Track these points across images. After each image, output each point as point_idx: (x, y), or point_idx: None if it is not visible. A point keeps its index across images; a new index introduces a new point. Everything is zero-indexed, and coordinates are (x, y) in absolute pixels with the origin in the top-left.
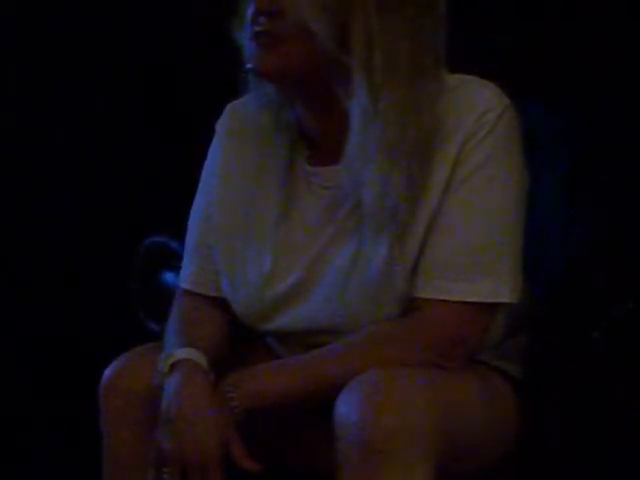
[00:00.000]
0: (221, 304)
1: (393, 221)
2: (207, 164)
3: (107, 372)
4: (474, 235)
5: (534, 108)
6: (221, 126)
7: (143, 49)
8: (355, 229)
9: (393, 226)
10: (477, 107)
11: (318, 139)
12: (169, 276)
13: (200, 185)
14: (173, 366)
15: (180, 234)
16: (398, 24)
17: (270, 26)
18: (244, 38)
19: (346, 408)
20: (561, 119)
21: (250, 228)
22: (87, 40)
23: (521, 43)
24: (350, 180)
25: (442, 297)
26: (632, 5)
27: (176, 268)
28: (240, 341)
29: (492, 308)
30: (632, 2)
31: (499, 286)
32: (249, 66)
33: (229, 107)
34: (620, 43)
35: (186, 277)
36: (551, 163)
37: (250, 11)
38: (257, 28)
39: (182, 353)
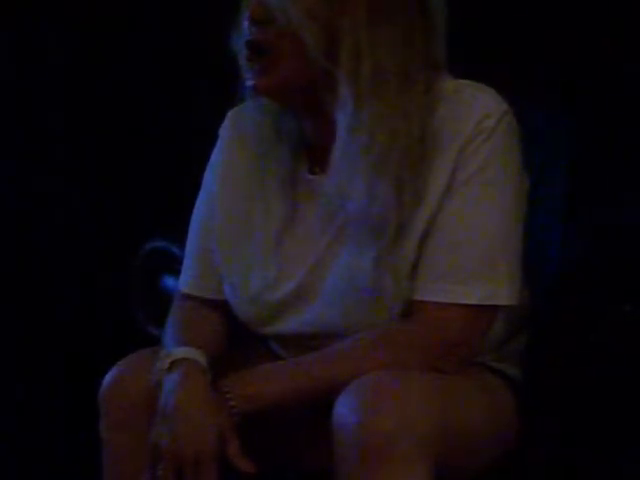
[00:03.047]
0: (220, 306)
1: (381, 231)
2: (209, 168)
3: (107, 377)
4: (472, 238)
5: (534, 110)
6: (223, 131)
7: (145, 49)
8: (352, 237)
9: (382, 236)
10: (475, 113)
11: (317, 147)
12: (169, 280)
13: (202, 189)
14: (172, 364)
15: (181, 239)
16: (387, 35)
17: (261, 35)
18: (239, 50)
19: (345, 411)
20: (561, 120)
21: (253, 235)
22: (90, 41)
23: (521, 43)
24: (336, 190)
25: (440, 300)
26: (632, 4)
27: (176, 272)
28: (240, 343)
29: (491, 310)
30: (632, 2)
31: (497, 288)
32: (248, 84)
33: (232, 113)
34: (621, 43)
35: (186, 280)
36: (551, 165)
37: (245, 22)
38: (249, 37)
39: (181, 352)
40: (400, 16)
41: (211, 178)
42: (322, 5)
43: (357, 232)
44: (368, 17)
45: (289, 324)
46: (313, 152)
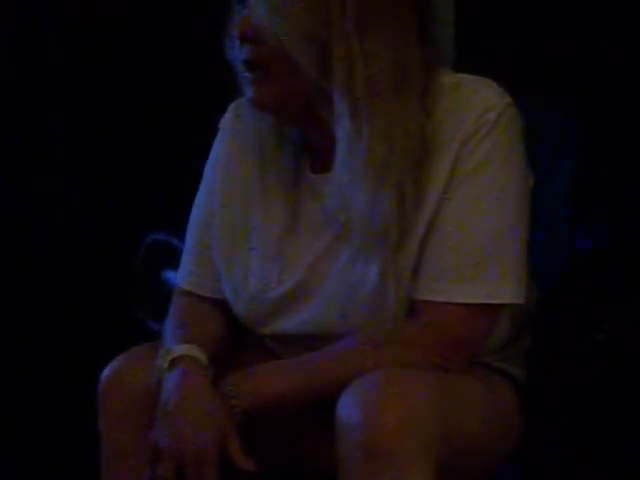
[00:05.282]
0: (219, 304)
1: (384, 238)
2: (209, 162)
3: (106, 372)
4: (475, 236)
5: (537, 106)
6: (224, 124)
7: (145, 49)
8: (354, 241)
9: (385, 242)
10: (477, 106)
11: (318, 146)
12: (170, 274)
13: (202, 183)
14: (172, 362)
15: (181, 232)
16: (380, 44)
17: (253, 53)
18: (235, 61)
19: (348, 410)
20: (565, 117)
21: (253, 232)
22: (90, 41)
23: (522, 41)
24: (339, 199)
25: (444, 299)
26: (633, 6)
27: (177, 266)
28: (240, 342)
29: (495, 309)
30: (633, 3)
31: (501, 287)
32: (247, 98)
33: (233, 105)
34: (622, 44)
35: (184, 277)
36: (555, 162)
37: (236, 40)
38: (242, 56)
39: (181, 349)
40: (392, 20)
41: (211, 173)
42: (310, 21)
43: (360, 238)
44: (358, 28)
45: (288, 323)
46: (315, 150)
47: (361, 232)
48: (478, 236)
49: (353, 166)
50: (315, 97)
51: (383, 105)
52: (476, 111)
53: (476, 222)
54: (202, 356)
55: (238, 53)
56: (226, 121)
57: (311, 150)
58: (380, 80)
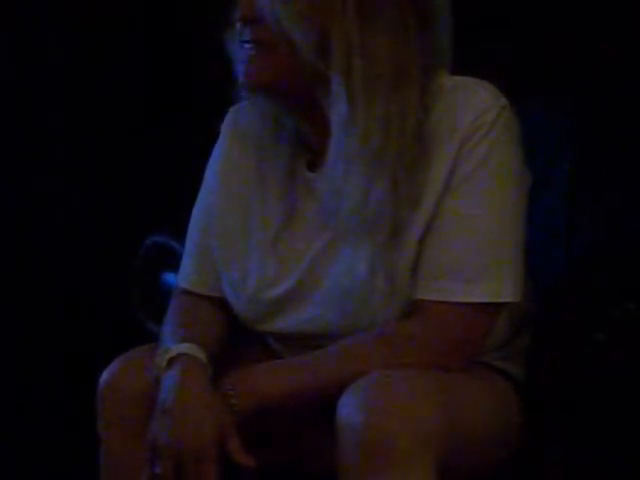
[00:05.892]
0: (219, 304)
1: (377, 230)
2: (210, 165)
3: (104, 375)
4: (473, 235)
5: (535, 107)
6: (224, 129)
7: (145, 49)
8: (348, 235)
9: (377, 235)
10: (474, 108)
11: (315, 144)
12: (170, 276)
13: (203, 185)
14: (171, 360)
15: (181, 234)
16: (379, 36)
17: (254, 34)
18: (234, 51)
19: (349, 410)
20: (562, 118)
21: (251, 232)
22: (90, 41)
23: (520, 41)
24: (332, 189)
25: (443, 298)
26: (631, 6)
27: (177, 268)
28: (240, 341)
29: (494, 308)
30: (631, 3)
31: (501, 286)
32: (240, 81)
33: (233, 110)
34: (620, 44)
35: (185, 276)
36: (553, 162)
37: (237, 23)
38: (243, 37)
39: (181, 348)
40: (392, 16)
41: (211, 175)
42: (312, 7)
43: (353, 231)
44: (359, 18)
45: (287, 322)
46: (312, 149)
47: (354, 222)
48: (476, 236)
49: (347, 151)
50: (313, 80)
51: (380, 95)
52: (474, 112)
53: (474, 222)
54: (201, 355)
55: (240, 35)
56: (226, 125)
57: (308, 149)
58: (378, 70)
